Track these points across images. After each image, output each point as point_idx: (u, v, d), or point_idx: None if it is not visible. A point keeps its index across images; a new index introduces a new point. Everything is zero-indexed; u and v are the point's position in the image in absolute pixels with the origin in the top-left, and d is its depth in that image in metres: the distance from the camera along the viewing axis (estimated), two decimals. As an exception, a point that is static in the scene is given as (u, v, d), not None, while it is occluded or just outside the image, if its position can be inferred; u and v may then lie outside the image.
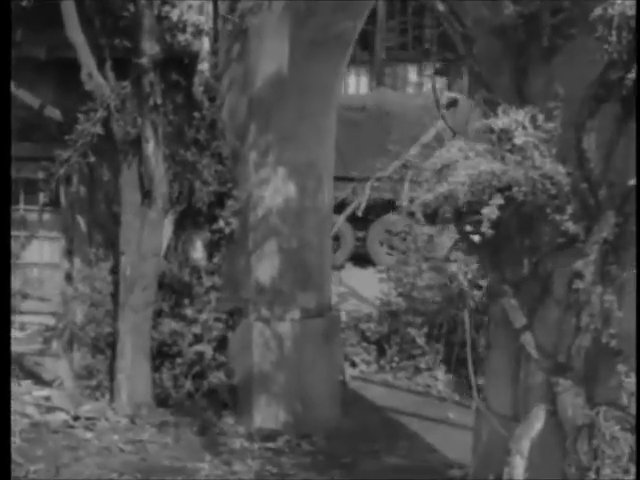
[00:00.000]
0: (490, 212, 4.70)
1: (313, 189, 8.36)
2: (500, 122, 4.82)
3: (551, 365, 5.16)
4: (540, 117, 4.92)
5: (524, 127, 4.82)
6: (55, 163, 7.92)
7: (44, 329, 9.41)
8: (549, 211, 4.81)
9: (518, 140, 4.76)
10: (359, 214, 10.72)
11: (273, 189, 8.22)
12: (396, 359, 10.34)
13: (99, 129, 7.70)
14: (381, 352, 10.55)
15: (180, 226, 8.47)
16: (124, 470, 7.23)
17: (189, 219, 8.54)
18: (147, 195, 8.07)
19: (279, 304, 8.30)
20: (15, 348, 9.16)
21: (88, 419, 8.17)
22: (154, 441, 7.83)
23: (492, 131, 4.87)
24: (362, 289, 12.54)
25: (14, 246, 9.41)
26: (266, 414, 8.31)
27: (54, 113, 8.40)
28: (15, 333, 9.35)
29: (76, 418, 8.18)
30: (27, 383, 9.19)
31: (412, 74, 29.59)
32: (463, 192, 4.66)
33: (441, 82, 30.25)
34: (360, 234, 15.71)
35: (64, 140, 8.68)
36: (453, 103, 11.60)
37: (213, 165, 8.27)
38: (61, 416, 8.17)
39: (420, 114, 12.36)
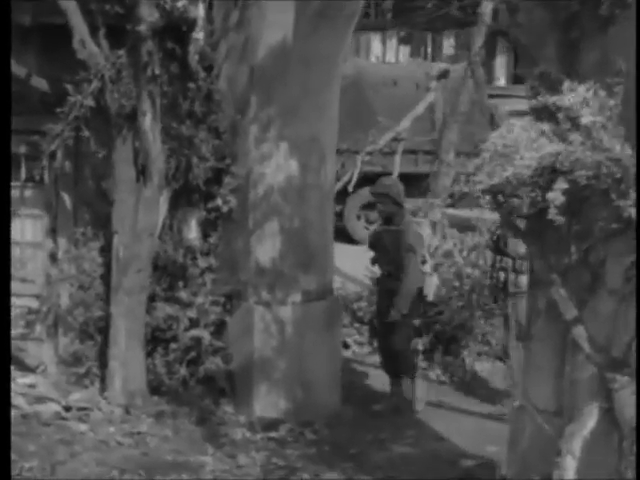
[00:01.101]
0: (555, 197, 4.33)
1: (316, 166, 7.95)
2: (567, 99, 4.42)
3: (605, 360, 4.82)
4: (601, 94, 4.55)
5: (588, 105, 4.45)
6: (46, 137, 7.34)
7: (27, 312, 8.91)
8: (614, 196, 4.44)
9: (585, 119, 4.38)
10: (350, 188, 10.33)
11: (275, 165, 7.79)
12: (390, 340, 9.95)
13: (92, 101, 7.16)
14: (373, 333, 10.16)
15: (174, 204, 7.99)
16: (125, 466, 6.80)
17: (184, 197, 8.07)
18: (142, 172, 7.59)
19: (280, 287, 7.90)
20: (-5, 332, 8.69)
21: (80, 409, 7.72)
22: (153, 433, 7.41)
23: (557, 109, 4.47)
24: (346, 267, 12.14)
25: (-8, 225, 8.88)
26: (266, 402, 7.95)
27: (40, 83, 7.87)
28: (-6, 316, 8.83)
29: (68, 409, 7.71)
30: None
31: (376, 43, 29.22)
32: (528, 176, 4.28)
33: (404, 51, 29.97)
34: (336, 208, 15.27)
35: (48, 112, 8.19)
36: (444, 74, 11.20)
37: (210, 140, 7.79)
38: (52, 407, 7.70)
39: (404, 85, 12.00)
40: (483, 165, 4.38)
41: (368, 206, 13.79)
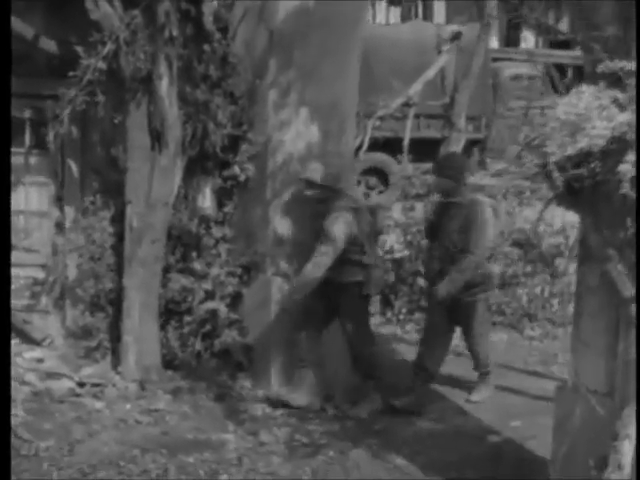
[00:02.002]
0: (627, 170, 4.07)
1: (336, 132, 7.65)
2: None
3: (663, 339, 4.60)
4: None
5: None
6: (58, 102, 6.99)
7: (32, 283, 8.62)
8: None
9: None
10: (362, 155, 10.04)
11: (294, 132, 7.49)
12: (404, 311, 9.75)
13: (106, 65, 6.82)
14: (386, 303, 9.96)
15: (189, 172, 7.69)
16: (146, 446, 6.54)
17: (198, 165, 7.77)
18: (158, 139, 7.26)
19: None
20: None
21: (94, 385, 7.45)
22: (172, 410, 7.15)
23: (626, 75, 4.20)
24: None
25: (-4, 193, 8.56)
26: (284, 376, 7.68)
27: (49, 45, 7.51)
28: (-2, 287, 8.54)
29: (81, 385, 7.44)
30: (15, 343, 8.41)
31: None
32: (600, 146, 4.02)
33: (395, 12, 29.55)
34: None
35: (55, 75, 7.87)
36: (457, 36, 10.87)
37: (227, 105, 7.47)
38: (65, 383, 7.42)
39: (414, 47, 11.68)
40: (552, 135, 4.10)
41: (368, 172, 13.51)
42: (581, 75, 15.55)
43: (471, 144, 13.23)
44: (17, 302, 8.61)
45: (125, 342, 7.54)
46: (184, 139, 7.36)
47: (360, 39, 7.74)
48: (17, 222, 8.67)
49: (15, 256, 8.56)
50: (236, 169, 7.49)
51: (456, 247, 7.23)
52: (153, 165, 7.36)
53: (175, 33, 6.85)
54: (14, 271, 8.59)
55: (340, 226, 7.01)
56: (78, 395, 7.32)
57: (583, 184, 4.51)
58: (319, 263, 7.00)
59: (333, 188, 7.16)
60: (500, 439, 7.14)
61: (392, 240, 10.33)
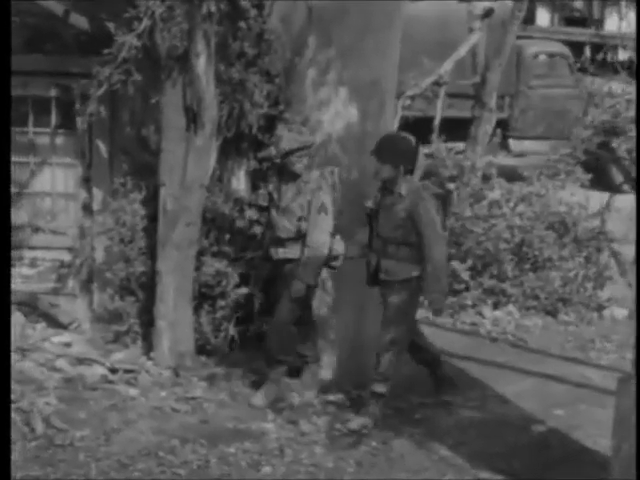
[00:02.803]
0: None
1: (376, 112, 7.43)
2: None
3: None
4: None
5: None
6: (93, 81, 6.76)
7: (58, 266, 8.43)
8: None
9: None
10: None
11: (334, 112, 7.27)
12: (433, 294, 9.51)
13: (142, 42, 6.58)
14: (416, 286, 9.73)
15: (223, 153, 7.47)
16: (185, 435, 6.36)
17: (232, 146, 7.55)
18: (193, 119, 7.03)
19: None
20: (25, 286, 8.24)
21: (127, 372, 7.25)
22: (209, 398, 6.97)
23: None
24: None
25: (23, 174, 8.38)
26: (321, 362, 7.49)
27: (79, 21, 7.27)
28: (25, 270, 8.38)
29: (113, 371, 7.25)
30: (41, 327, 8.24)
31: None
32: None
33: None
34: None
35: (83, 53, 7.67)
36: (488, 13, 10.59)
37: (263, 84, 7.24)
38: (98, 369, 7.23)
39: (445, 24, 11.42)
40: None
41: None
42: (598, 53, 15.29)
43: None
44: (43, 285, 8.46)
45: (159, 327, 7.35)
46: (220, 119, 7.11)
47: (401, 16, 7.49)
48: (43, 204, 8.48)
49: (41, 239, 8.43)
50: (272, 150, 7.24)
51: (395, 241, 6.69)
52: (188, 146, 7.12)
53: (213, 9, 6.58)
54: (40, 254, 8.45)
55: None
56: (111, 382, 7.12)
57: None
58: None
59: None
60: (545, 429, 6.96)
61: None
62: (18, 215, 8.39)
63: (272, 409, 6.92)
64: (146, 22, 6.55)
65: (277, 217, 6.93)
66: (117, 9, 7.04)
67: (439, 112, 10.95)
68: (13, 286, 8.30)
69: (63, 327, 8.27)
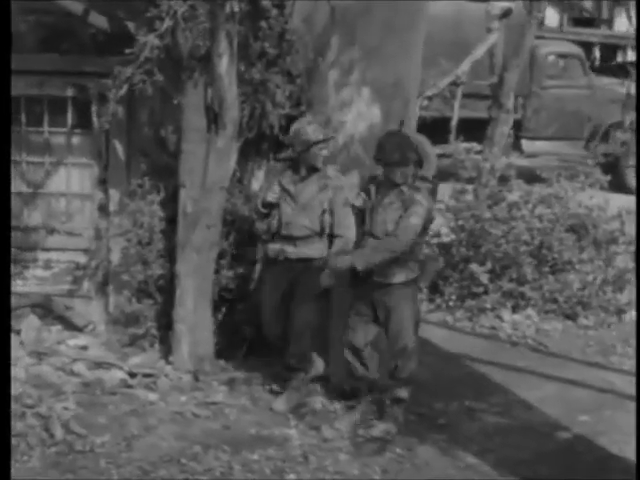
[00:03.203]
0: None
1: (399, 113, 7.29)
2: None
3: None
4: None
5: None
6: (114, 81, 6.65)
7: (73, 267, 8.31)
8: None
9: None
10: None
11: (356, 113, 7.15)
12: (453, 297, 9.43)
13: (164, 41, 6.46)
14: (433, 289, 9.64)
15: (243, 155, 7.36)
16: (207, 441, 6.25)
17: (252, 147, 7.44)
18: (215, 120, 6.92)
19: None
20: (39, 289, 8.14)
21: (145, 376, 7.14)
22: (230, 403, 6.85)
23: None
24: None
25: (37, 174, 8.28)
26: (339, 366, 7.36)
27: (99, 20, 7.16)
28: (39, 272, 8.27)
29: (132, 375, 7.14)
30: (56, 329, 8.13)
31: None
32: None
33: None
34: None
35: (100, 52, 7.56)
36: (507, 13, 10.47)
37: (285, 84, 7.13)
38: (116, 374, 7.12)
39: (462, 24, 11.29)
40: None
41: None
42: (609, 54, 15.18)
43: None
44: (58, 287, 8.35)
45: (178, 331, 7.24)
46: (241, 120, 7.00)
47: (425, 16, 7.38)
48: (58, 205, 8.38)
49: (56, 240, 8.32)
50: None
51: None
52: (209, 147, 7.01)
53: (236, 9, 6.46)
54: (55, 255, 8.34)
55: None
56: (130, 386, 7.00)
57: None
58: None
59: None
60: (570, 435, 6.86)
61: (437, 223, 9.97)
62: (33, 216, 8.30)
63: (294, 414, 6.80)
64: (168, 22, 6.41)
65: (292, 214, 6.79)
66: (137, 8, 6.92)
67: (456, 112, 10.85)
68: (27, 288, 8.28)
69: (78, 330, 8.16)
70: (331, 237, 6.82)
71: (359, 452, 6.36)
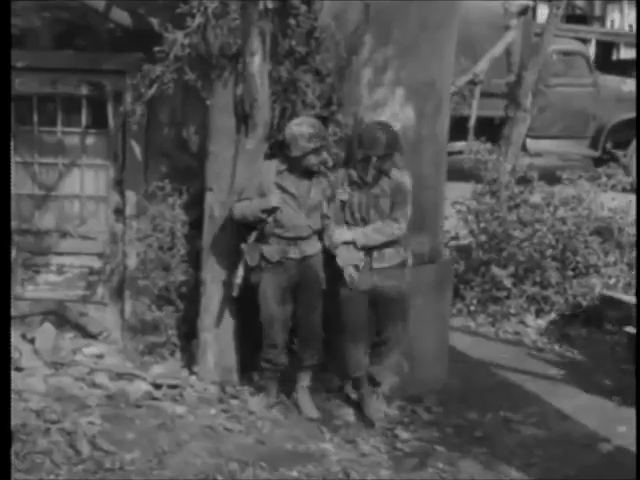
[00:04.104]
0: None
1: (432, 114, 7.07)
2: None
3: None
4: None
5: None
6: (143, 80, 6.35)
7: (87, 272, 8.02)
8: None
9: None
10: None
11: (389, 114, 6.89)
12: (475, 302, 9.20)
13: (196, 39, 6.17)
14: (455, 294, 9.38)
15: (269, 156, 7.08)
16: (243, 458, 5.96)
17: (276, 147, 7.15)
18: (244, 121, 6.64)
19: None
20: (52, 294, 7.85)
21: (171, 387, 6.86)
22: (261, 416, 6.57)
23: None
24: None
25: (50, 176, 7.98)
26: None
27: (121, 16, 6.86)
28: (52, 277, 7.98)
29: (157, 386, 6.86)
30: (70, 337, 7.84)
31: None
32: None
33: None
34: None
35: (117, 49, 7.28)
36: (525, 10, 10.23)
37: (316, 84, 6.86)
38: (141, 385, 6.82)
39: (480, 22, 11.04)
40: None
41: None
42: (604, 51, 14.91)
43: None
44: (71, 293, 8.06)
45: (203, 340, 6.96)
46: (272, 121, 6.73)
47: (459, 14, 7.13)
48: (72, 207, 8.08)
49: (69, 244, 8.03)
50: (322, 153, 6.84)
51: None
52: (237, 149, 6.72)
53: (270, 5, 6.18)
54: (68, 260, 8.06)
55: None
56: (155, 398, 6.71)
57: None
58: None
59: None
60: (612, 447, 6.65)
61: (453, 225, 9.77)
62: (45, 219, 8.01)
63: (328, 427, 6.54)
64: (199, 19, 6.11)
65: (295, 215, 6.52)
66: (160, 4, 6.63)
67: (474, 111, 10.62)
68: (39, 294, 7.98)
69: (92, 337, 7.88)
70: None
71: (400, 467, 6.13)
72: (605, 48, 21.24)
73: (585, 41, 21.29)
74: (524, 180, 9.55)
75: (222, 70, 6.55)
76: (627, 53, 22.93)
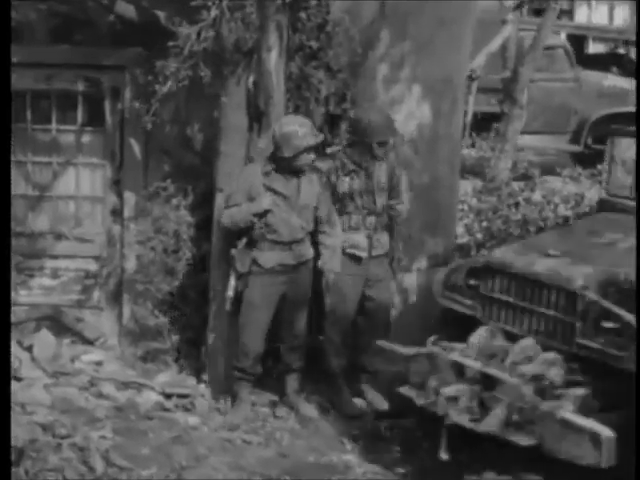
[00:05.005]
0: None
1: (448, 112, 6.87)
2: None
3: None
4: None
5: None
6: (158, 77, 6.05)
7: (83, 276, 7.71)
8: None
9: None
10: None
11: (406, 111, 6.67)
12: (476, 302, 8.97)
13: (211, 34, 5.89)
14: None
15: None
16: (266, 472, 5.70)
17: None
18: (258, 119, 6.37)
19: (406, 251, 6.82)
20: (46, 299, 7.54)
21: (181, 397, 6.58)
22: (278, 427, 6.32)
23: None
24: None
25: (45, 175, 7.67)
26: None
27: (126, 9, 6.55)
28: (46, 281, 7.66)
29: (167, 396, 6.57)
30: (66, 343, 7.52)
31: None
32: None
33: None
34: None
35: (117, 44, 7.00)
36: (521, 4, 10.05)
37: (329, 80, 6.61)
38: (151, 396, 6.54)
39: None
40: None
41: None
42: (575, 45, 14.63)
43: (492, 118, 12.47)
44: (66, 297, 7.77)
45: (213, 347, 6.68)
46: (285, 119, 6.46)
47: (475, 9, 6.92)
48: (67, 208, 7.80)
49: (64, 246, 7.74)
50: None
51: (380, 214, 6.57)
52: (249, 149, 6.45)
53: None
54: (63, 263, 7.76)
55: None
56: (166, 409, 6.42)
57: None
58: None
59: None
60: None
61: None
62: (39, 221, 7.71)
63: (347, 437, 6.31)
64: (214, 12, 5.83)
65: (288, 218, 6.26)
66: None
67: (471, 107, 10.44)
68: (33, 299, 7.66)
69: (88, 343, 7.57)
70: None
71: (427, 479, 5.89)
72: (577, 42, 21.15)
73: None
74: (525, 177, 9.35)
75: (236, 66, 6.28)
76: (596, 48, 22.90)
